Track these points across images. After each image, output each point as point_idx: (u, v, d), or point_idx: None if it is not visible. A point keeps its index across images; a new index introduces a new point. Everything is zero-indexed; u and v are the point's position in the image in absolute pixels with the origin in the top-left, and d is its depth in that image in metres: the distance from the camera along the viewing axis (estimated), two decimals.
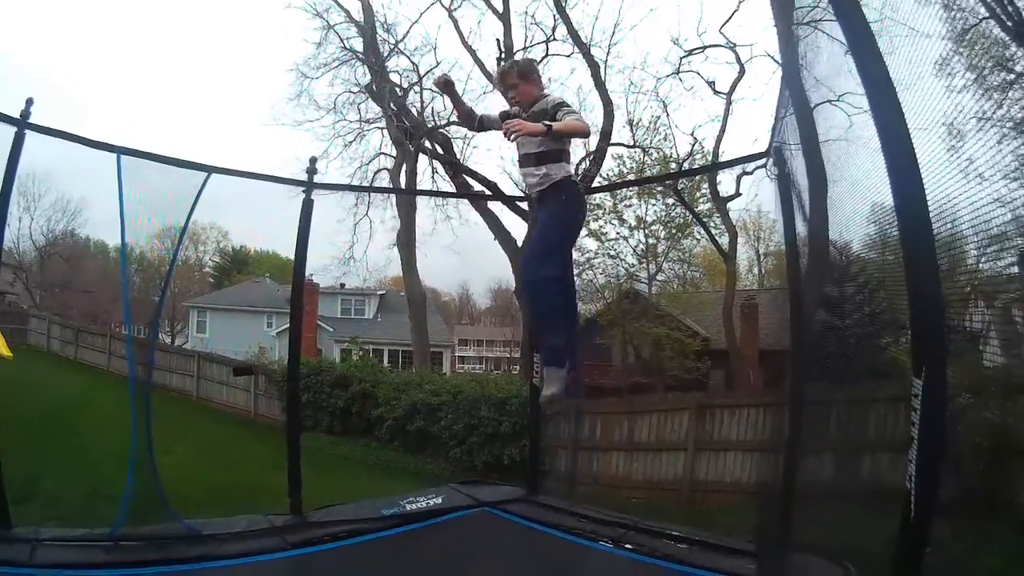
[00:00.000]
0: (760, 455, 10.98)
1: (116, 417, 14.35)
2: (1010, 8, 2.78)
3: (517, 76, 4.94)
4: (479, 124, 5.32)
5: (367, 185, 24.86)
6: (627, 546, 5.57)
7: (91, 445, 11.37)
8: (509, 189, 23.59)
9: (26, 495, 5.54)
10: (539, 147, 4.74)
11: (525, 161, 4.90)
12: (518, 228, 22.52)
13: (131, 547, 5.01)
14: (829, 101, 4.24)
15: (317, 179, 6.48)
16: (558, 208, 4.80)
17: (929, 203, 2.39)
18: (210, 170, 5.69)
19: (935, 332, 2.25)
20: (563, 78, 23.83)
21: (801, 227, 4.88)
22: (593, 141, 22.49)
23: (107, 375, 23.83)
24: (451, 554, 5.71)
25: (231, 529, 5.56)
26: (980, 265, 3.15)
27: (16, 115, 4.89)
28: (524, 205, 19.20)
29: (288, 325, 30.23)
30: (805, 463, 4.37)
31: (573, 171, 5.10)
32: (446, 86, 5.20)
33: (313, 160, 6.58)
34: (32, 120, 4.94)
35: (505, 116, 5.05)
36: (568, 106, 4.63)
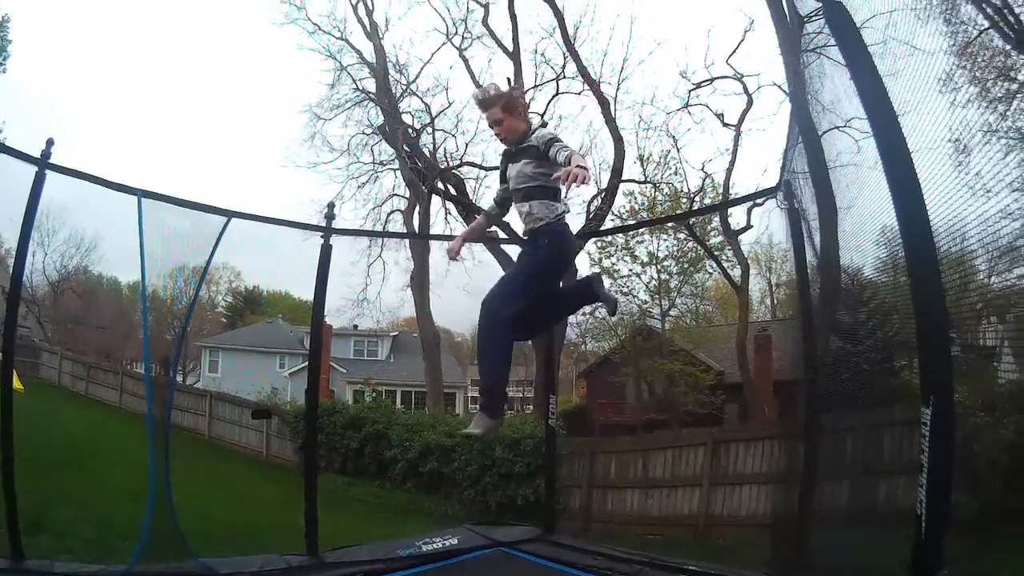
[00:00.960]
0: (774, 486, 10.90)
1: (128, 453, 14.44)
2: (1010, 17, 2.77)
3: (502, 111, 4.52)
4: (500, 212, 5.06)
5: (382, 230, 24.94)
6: None
7: (102, 480, 11.48)
8: (522, 230, 23.54)
9: (37, 527, 5.54)
10: (526, 183, 4.50)
11: (515, 196, 4.66)
12: None
13: None
14: (836, 127, 4.25)
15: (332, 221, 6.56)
16: (532, 254, 4.58)
17: (937, 221, 2.39)
18: (230, 215, 5.75)
19: (941, 363, 2.26)
20: (573, 115, 23.89)
21: (812, 257, 4.87)
22: (604, 177, 22.62)
23: (119, 411, 23.95)
24: None
25: (247, 568, 5.53)
26: (991, 280, 3.12)
27: (36, 154, 4.95)
28: None
29: (301, 366, 30.12)
30: (819, 490, 4.32)
31: (565, 209, 4.67)
32: (462, 244, 5.07)
33: (331, 205, 6.76)
34: (51, 159, 4.98)
35: (505, 183, 4.76)
36: (560, 142, 4.28)
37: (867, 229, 3.85)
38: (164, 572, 5.23)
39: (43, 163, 4.94)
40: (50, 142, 4.98)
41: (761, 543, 10.13)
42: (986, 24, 2.85)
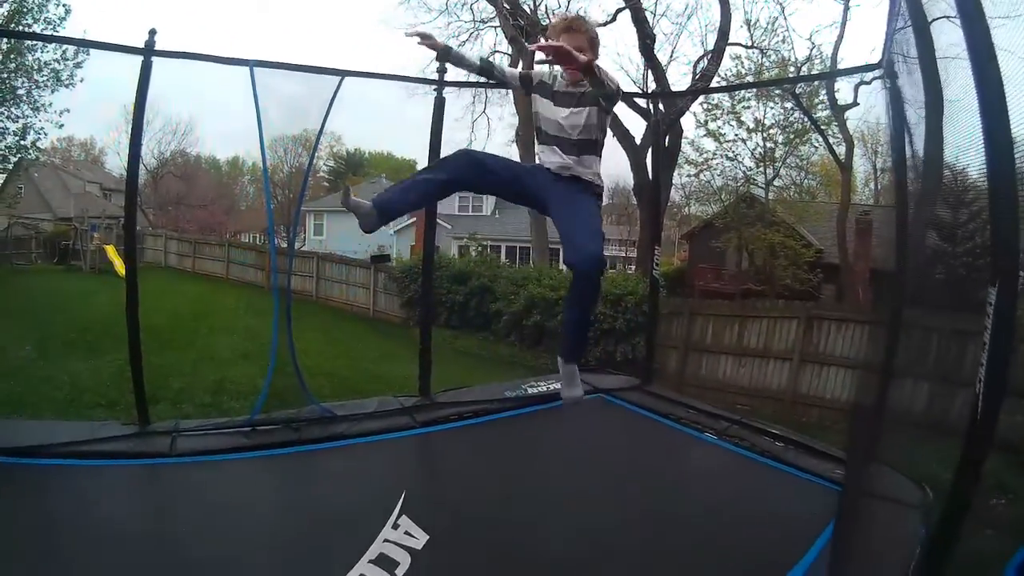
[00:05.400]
0: (858, 372, 11.00)
1: (236, 320, 15.34)
2: None
3: (588, 44, 3.73)
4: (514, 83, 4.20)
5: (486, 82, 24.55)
6: (730, 439, 5.94)
7: (213, 348, 12.28)
8: (627, 85, 23.20)
9: (153, 399, 6.07)
10: (586, 135, 3.78)
11: (562, 143, 3.82)
12: (637, 125, 22.09)
13: (268, 431, 5.48)
14: (947, 17, 4.20)
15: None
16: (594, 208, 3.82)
17: None
18: (343, 74, 5.78)
19: (1011, 240, 2.32)
20: None
21: (908, 145, 4.86)
22: (711, 40, 22.01)
23: (226, 283, 25.50)
24: (568, 434, 6.08)
25: (364, 410, 6.05)
26: None
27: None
28: (642, 102, 19.03)
29: (407, 223, 30.62)
30: (899, 386, 4.43)
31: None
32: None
33: (444, 56, 6.85)
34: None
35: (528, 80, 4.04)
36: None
37: (972, 128, 3.84)
38: (284, 418, 5.70)
39: (149, 51, 5.11)
40: (153, 31, 5.15)
41: (840, 428, 10.40)
42: None
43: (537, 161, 3.92)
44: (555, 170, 3.80)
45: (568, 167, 3.77)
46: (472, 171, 3.75)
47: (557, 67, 3.83)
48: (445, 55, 4.02)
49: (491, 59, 4.37)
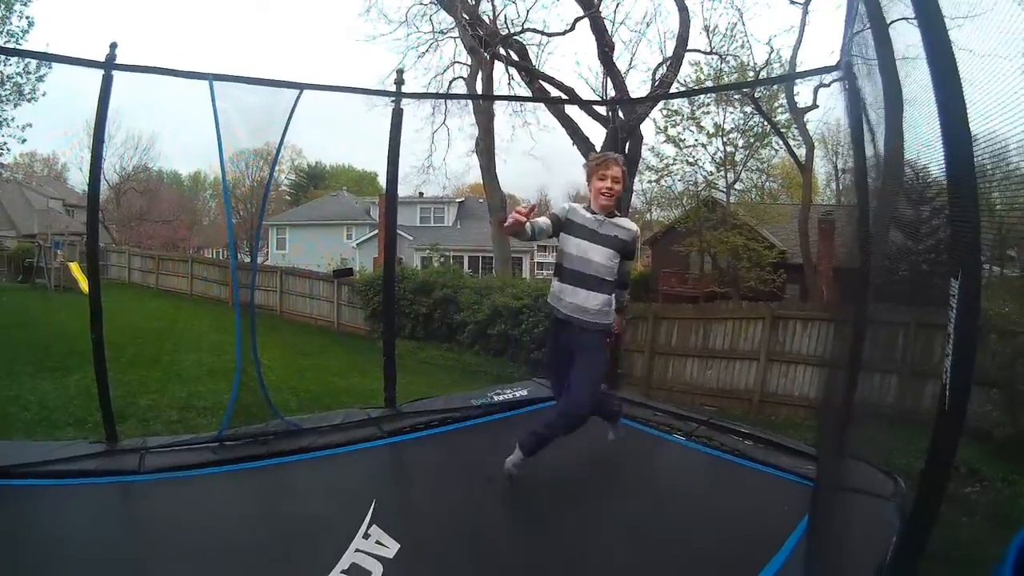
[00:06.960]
0: (825, 370, 11.12)
1: (202, 337, 15.21)
2: None
3: (622, 173, 4.65)
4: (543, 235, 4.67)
5: (445, 93, 24.72)
6: (697, 439, 5.99)
7: (180, 363, 11.99)
8: (586, 94, 23.67)
9: (121, 417, 6.02)
10: (605, 274, 4.63)
11: (574, 277, 4.64)
12: (597, 133, 22.13)
13: (236, 446, 5.44)
14: (905, 18, 4.24)
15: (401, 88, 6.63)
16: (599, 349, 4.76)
17: (1005, 129, 2.48)
18: (302, 87, 5.74)
19: (972, 233, 2.34)
20: None
21: (868, 145, 4.91)
22: (670, 46, 22.23)
23: (190, 299, 25.34)
24: None
25: (329, 422, 6.03)
26: None
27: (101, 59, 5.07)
28: (602, 110, 19.12)
29: (369, 236, 30.62)
30: (867, 380, 4.47)
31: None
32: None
33: (400, 71, 6.79)
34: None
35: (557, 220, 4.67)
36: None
37: (932, 126, 3.87)
38: (251, 433, 5.64)
39: (110, 65, 5.06)
40: (113, 45, 5.10)
41: (810, 425, 10.52)
42: None
43: (552, 292, 4.79)
44: (572, 314, 4.64)
45: (586, 309, 4.58)
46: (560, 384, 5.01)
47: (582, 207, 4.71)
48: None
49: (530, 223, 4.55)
